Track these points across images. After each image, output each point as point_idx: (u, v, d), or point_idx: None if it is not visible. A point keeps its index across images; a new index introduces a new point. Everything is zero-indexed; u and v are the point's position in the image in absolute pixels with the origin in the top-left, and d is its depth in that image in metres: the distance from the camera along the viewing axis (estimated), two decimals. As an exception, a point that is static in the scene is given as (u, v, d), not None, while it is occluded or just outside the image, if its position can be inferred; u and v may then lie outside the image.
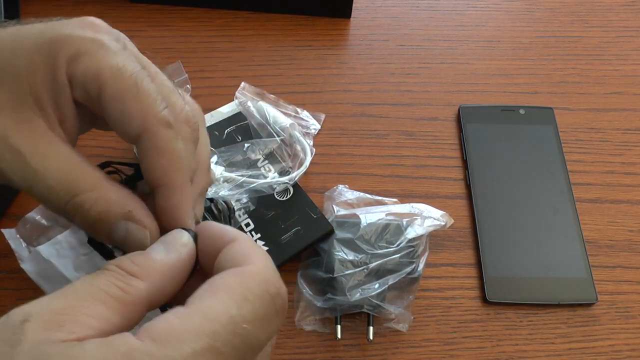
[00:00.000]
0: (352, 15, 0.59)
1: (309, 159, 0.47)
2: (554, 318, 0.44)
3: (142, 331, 0.18)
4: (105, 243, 0.26)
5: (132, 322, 0.20)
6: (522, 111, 0.53)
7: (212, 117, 0.50)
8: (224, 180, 0.44)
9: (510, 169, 0.50)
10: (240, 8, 0.59)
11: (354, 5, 0.58)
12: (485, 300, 0.44)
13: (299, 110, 0.52)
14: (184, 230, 0.23)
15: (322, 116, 0.52)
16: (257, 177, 0.45)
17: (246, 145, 0.47)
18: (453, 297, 0.45)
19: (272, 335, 0.21)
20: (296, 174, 0.45)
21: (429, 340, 0.43)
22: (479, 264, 0.46)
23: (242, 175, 0.45)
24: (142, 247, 0.23)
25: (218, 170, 0.45)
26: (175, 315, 0.19)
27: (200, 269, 0.24)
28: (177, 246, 0.23)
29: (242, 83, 0.52)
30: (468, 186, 0.49)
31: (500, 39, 0.59)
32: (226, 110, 0.50)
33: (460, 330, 0.43)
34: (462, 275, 0.46)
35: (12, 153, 0.22)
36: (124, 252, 0.23)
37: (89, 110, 0.24)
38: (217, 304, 0.19)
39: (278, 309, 0.21)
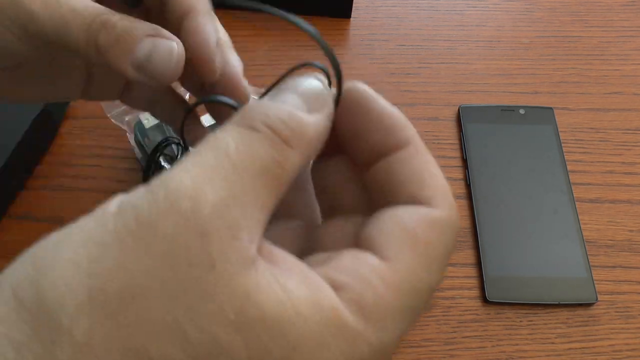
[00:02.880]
0: (352, 15, 0.59)
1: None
2: (554, 318, 0.44)
3: (346, 293, 0.15)
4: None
5: (279, 201, 0.16)
6: (522, 111, 0.53)
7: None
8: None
9: (510, 169, 0.50)
10: (241, 8, 0.59)
11: (354, 5, 0.59)
12: (485, 300, 0.44)
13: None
14: (314, 79, 0.18)
15: None
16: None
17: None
18: (453, 297, 0.45)
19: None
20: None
21: (429, 340, 0.43)
22: (479, 264, 0.46)
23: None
24: (168, 64, 0.21)
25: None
26: (381, 279, 0.15)
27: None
28: (320, 102, 0.17)
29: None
30: (468, 186, 0.49)
31: (500, 39, 0.59)
32: (226, 110, 0.50)
33: (460, 330, 0.43)
34: (462, 275, 0.46)
35: None
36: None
37: None
38: (423, 272, 0.16)
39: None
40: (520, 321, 0.44)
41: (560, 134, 0.52)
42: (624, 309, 0.45)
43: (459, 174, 0.50)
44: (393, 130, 0.18)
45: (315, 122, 0.17)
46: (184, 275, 0.13)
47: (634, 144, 0.53)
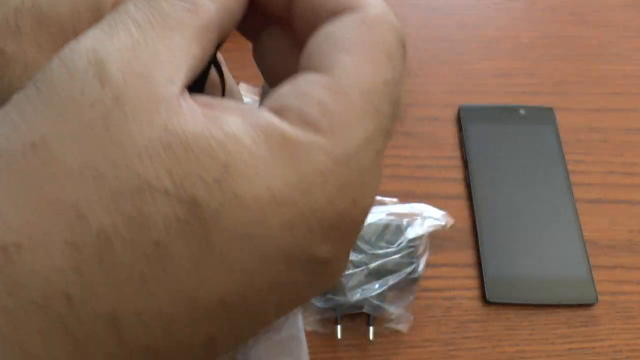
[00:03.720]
0: (352, 15, 0.59)
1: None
2: (554, 318, 0.44)
3: (286, 112, 0.13)
4: None
5: (208, 54, 0.15)
6: (522, 111, 0.53)
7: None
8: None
9: (510, 169, 0.50)
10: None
11: (354, 5, 0.58)
12: (485, 301, 0.44)
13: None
14: None
15: None
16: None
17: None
18: (453, 297, 0.45)
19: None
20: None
21: (429, 340, 0.43)
22: (479, 264, 0.46)
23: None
24: None
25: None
26: (319, 87, 0.13)
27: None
28: None
29: (242, 83, 0.52)
30: (468, 186, 0.49)
31: (500, 39, 0.59)
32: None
33: (460, 330, 0.43)
34: (462, 276, 0.45)
35: None
36: None
37: None
38: (366, 68, 0.14)
39: (404, 58, 0.15)
40: (521, 322, 0.44)
41: (561, 134, 0.52)
42: (624, 310, 0.45)
43: (459, 174, 0.50)
44: None
45: None
46: (87, 115, 0.12)
47: (634, 144, 0.53)
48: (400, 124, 0.53)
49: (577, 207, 0.48)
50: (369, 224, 0.43)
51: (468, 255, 0.46)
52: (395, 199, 0.47)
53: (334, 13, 0.15)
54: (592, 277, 0.45)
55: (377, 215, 0.44)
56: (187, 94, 0.13)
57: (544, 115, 0.53)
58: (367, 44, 0.14)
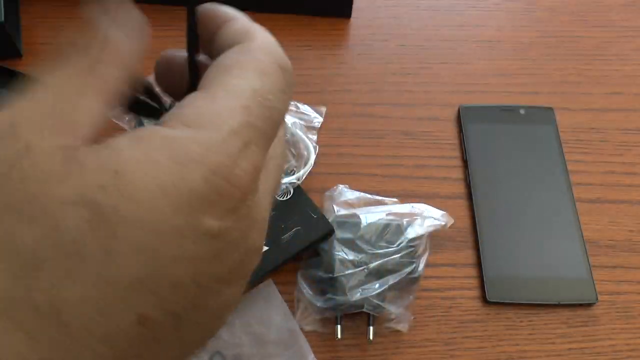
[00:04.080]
0: (352, 15, 0.59)
1: (313, 156, 0.47)
2: (554, 318, 0.44)
3: (168, 121, 0.16)
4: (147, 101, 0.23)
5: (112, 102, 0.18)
6: (522, 111, 0.53)
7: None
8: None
9: (510, 169, 0.50)
10: (241, 8, 0.59)
11: (354, 5, 0.58)
12: (485, 301, 0.44)
13: (299, 105, 0.52)
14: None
15: (324, 109, 0.52)
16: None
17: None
18: (453, 297, 0.45)
19: (287, 110, 0.19)
20: (303, 172, 0.46)
21: (429, 340, 0.43)
22: (479, 264, 0.46)
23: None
24: None
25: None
26: (197, 98, 0.17)
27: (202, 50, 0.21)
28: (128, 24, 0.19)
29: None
30: (468, 186, 0.49)
31: (500, 39, 0.59)
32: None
33: (460, 330, 0.43)
34: (462, 275, 0.46)
35: None
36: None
37: None
38: (238, 81, 0.17)
39: (289, 82, 0.19)
40: (521, 321, 0.44)
41: (561, 134, 0.52)
42: (624, 310, 0.45)
43: (459, 174, 0.50)
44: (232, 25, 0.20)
45: (122, 40, 0.18)
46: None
47: (634, 144, 0.53)
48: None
49: (577, 207, 0.48)
50: (369, 224, 0.43)
51: (468, 255, 0.46)
52: (395, 199, 0.47)
53: (230, 46, 0.19)
54: (592, 277, 0.45)
55: (377, 215, 0.44)
56: (85, 139, 0.16)
57: (544, 115, 0.53)
58: (242, 63, 0.18)
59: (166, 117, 0.17)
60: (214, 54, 0.20)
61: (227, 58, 0.18)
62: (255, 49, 0.19)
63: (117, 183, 0.14)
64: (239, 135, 0.16)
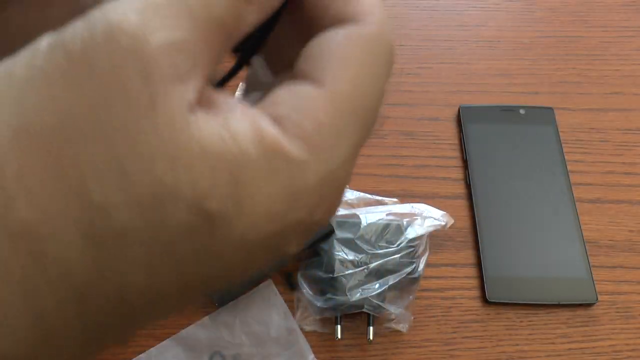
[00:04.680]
0: (352, 15, 0.59)
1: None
2: (554, 318, 0.44)
3: (284, 122, 0.14)
4: None
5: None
6: (522, 111, 0.53)
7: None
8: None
9: (510, 169, 0.50)
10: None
11: (354, 5, 0.58)
12: (485, 301, 0.44)
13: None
14: None
15: None
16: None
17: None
18: (453, 297, 0.45)
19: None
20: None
21: (429, 340, 0.43)
22: (479, 264, 0.46)
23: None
24: None
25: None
26: (319, 105, 0.15)
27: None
28: None
29: (242, 84, 0.52)
30: (468, 186, 0.49)
31: (500, 39, 0.59)
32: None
33: (460, 330, 0.43)
34: (462, 275, 0.46)
35: None
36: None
37: None
38: (359, 90, 0.15)
39: (390, 74, 0.17)
40: (521, 321, 0.44)
41: (561, 134, 0.52)
42: (624, 310, 0.45)
43: (459, 174, 0.50)
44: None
45: None
46: (123, 116, 0.13)
47: (634, 144, 0.53)
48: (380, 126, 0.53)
49: (577, 207, 0.48)
50: (369, 224, 0.43)
51: (468, 255, 0.46)
52: (395, 199, 0.47)
53: (338, 20, 0.16)
54: (592, 277, 0.45)
55: (377, 215, 0.44)
56: (201, 97, 0.14)
57: (544, 115, 0.53)
58: (361, 60, 0.16)
59: (278, 107, 0.15)
60: (307, 13, 0.17)
61: (340, 42, 0.16)
62: (372, 38, 0.16)
63: (236, 197, 0.13)
64: (351, 161, 0.15)
